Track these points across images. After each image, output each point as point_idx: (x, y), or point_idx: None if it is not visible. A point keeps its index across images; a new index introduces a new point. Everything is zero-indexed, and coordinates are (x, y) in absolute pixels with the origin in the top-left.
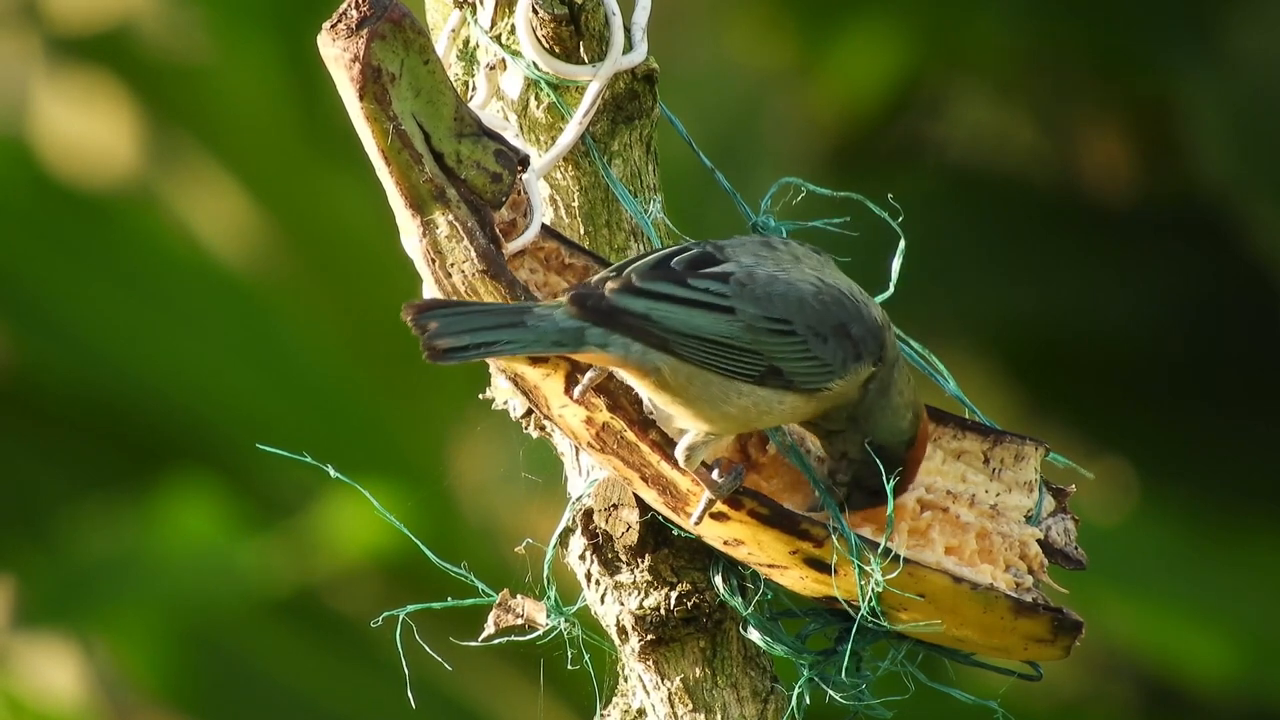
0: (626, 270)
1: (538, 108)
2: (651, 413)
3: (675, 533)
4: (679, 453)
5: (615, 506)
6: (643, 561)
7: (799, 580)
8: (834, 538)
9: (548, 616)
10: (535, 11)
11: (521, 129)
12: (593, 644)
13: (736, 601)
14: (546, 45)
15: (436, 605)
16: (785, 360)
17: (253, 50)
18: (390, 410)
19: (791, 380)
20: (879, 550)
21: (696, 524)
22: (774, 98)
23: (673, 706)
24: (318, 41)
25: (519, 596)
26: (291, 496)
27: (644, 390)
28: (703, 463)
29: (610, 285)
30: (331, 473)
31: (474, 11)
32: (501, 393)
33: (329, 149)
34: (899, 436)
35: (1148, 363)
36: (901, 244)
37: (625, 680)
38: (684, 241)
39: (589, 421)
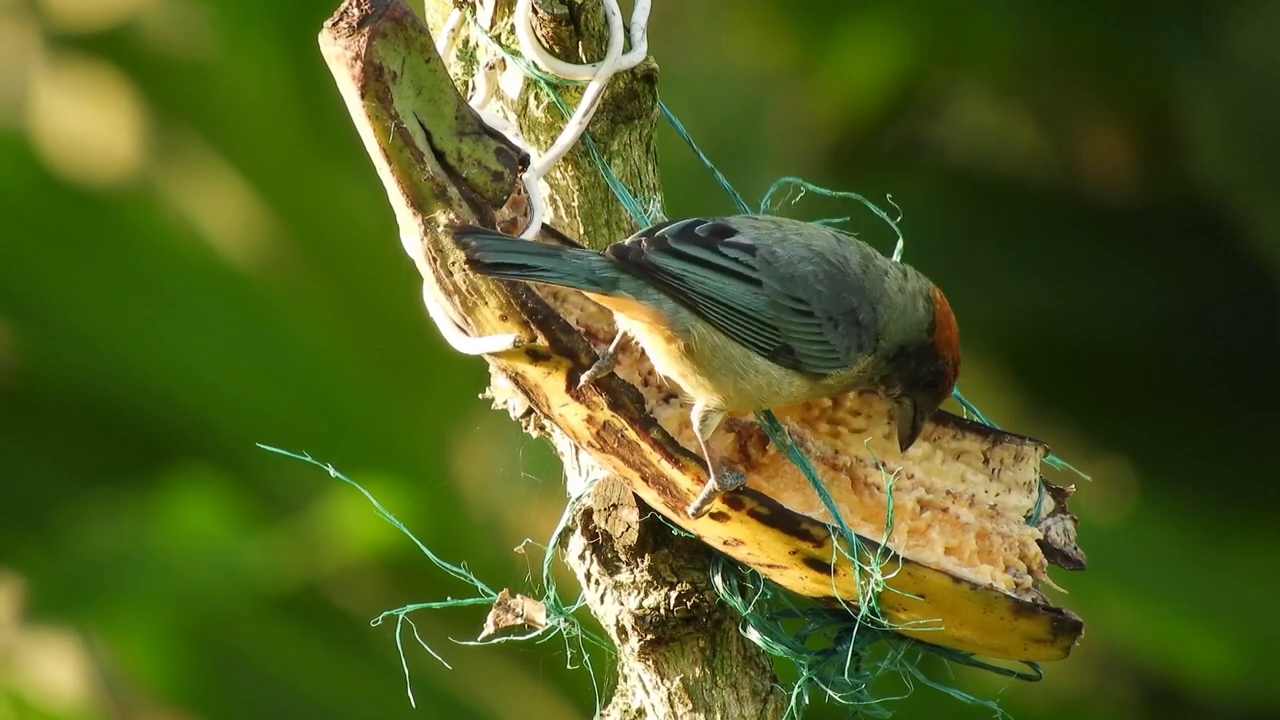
0: (656, 234)
1: (537, 107)
2: (653, 412)
3: (675, 533)
4: (695, 416)
5: (615, 506)
6: (642, 561)
7: (799, 580)
8: (834, 538)
9: (547, 616)
10: (535, 11)
11: (521, 128)
12: (593, 644)
13: (736, 601)
14: (546, 45)
15: (436, 605)
16: (799, 341)
17: (256, 46)
18: (391, 409)
19: (800, 361)
20: (879, 550)
21: (695, 517)
22: (774, 98)
23: (672, 706)
24: (319, 40)
25: (519, 596)
26: (294, 493)
27: (665, 357)
28: (709, 448)
29: (645, 243)
30: (332, 472)
31: (474, 11)
32: (501, 392)
33: (332, 146)
34: (917, 329)
35: (1148, 362)
36: (900, 244)
37: (625, 680)
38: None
39: (590, 420)
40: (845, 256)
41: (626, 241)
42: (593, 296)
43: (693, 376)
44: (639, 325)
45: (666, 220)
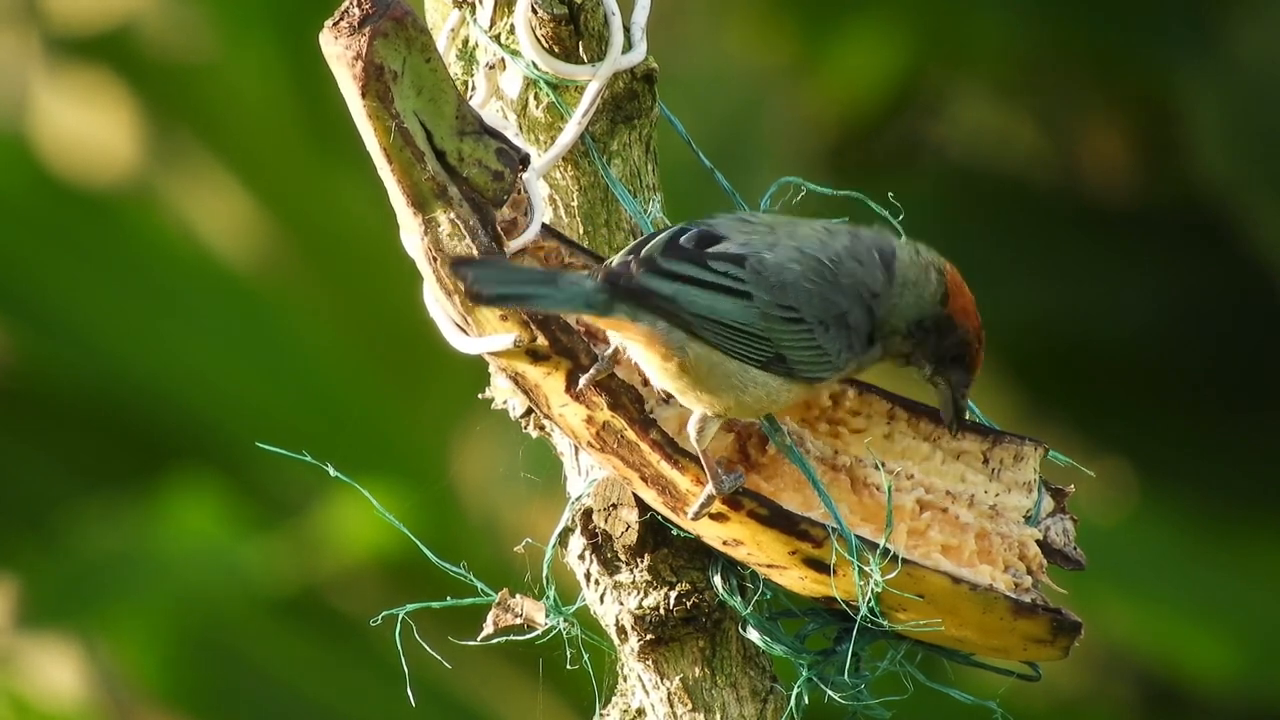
0: (643, 252)
1: (537, 107)
2: (652, 412)
3: (675, 533)
4: (691, 427)
5: (615, 506)
6: (642, 561)
7: (798, 580)
8: (833, 538)
9: (547, 616)
10: (534, 11)
11: (521, 128)
12: (592, 644)
13: (736, 601)
14: (546, 45)
15: (436, 604)
16: (791, 348)
17: (254, 48)
18: (391, 409)
19: (793, 369)
20: (878, 550)
21: (694, 519)
22: (773, 97)
23: (672, 706)
24: (319, 39)
25: (518, 596)
26: (294, 495)
27: (662, 374)
28: (705, 455)
29: (635, 266)
30: (331, 471)
31: (473, 11)
32: (501, 392)
33: (331, 147)
34: (929, 301)
35: (1148, 362)
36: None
37: (625, 680)
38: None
39: (589, 420)
40: (838, 254)
41: (615, 262)
42: (589, 319)
43: (691, 392)
44: (635, 344)
45: (653, 232)
